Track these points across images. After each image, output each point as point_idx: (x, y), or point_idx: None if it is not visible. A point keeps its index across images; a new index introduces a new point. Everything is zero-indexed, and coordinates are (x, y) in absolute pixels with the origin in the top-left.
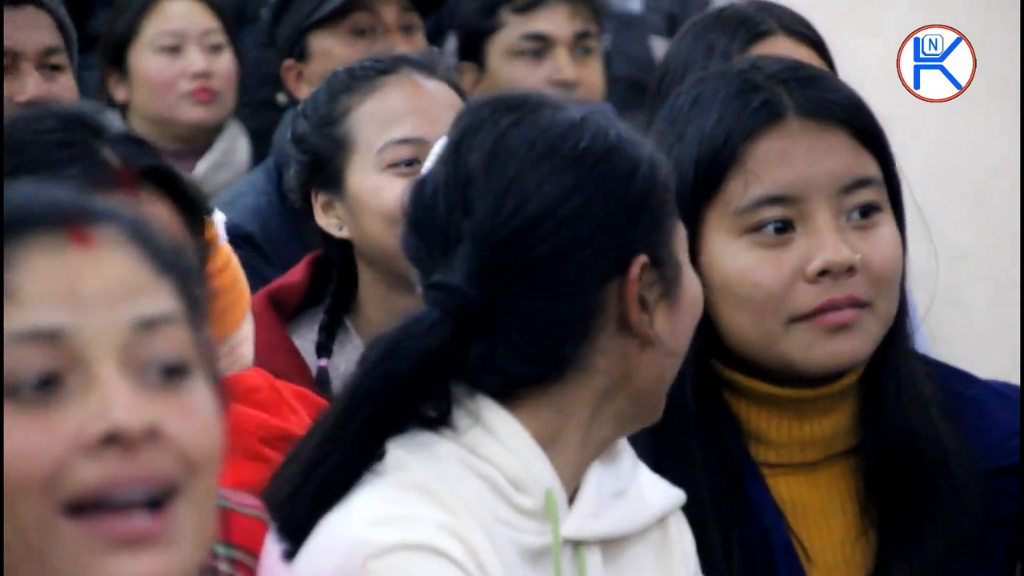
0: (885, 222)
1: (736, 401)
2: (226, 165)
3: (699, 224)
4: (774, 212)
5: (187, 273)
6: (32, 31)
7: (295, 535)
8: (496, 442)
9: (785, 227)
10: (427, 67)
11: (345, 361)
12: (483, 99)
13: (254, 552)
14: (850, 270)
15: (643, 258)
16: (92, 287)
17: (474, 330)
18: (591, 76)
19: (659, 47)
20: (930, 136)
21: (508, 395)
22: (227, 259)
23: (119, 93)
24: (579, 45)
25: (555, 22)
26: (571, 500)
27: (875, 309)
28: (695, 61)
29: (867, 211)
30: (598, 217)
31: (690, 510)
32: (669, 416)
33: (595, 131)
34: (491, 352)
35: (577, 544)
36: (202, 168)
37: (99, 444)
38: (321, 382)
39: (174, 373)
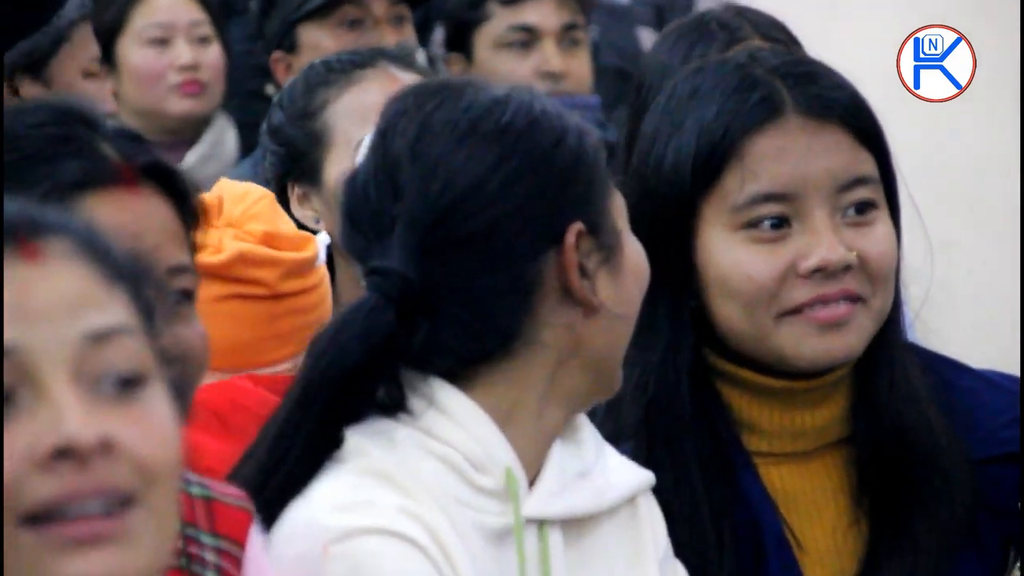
0: (881, 219)
1: (728, 390)
2: (214, 157)
3: (695, 217)
4: (771, 209)
5: (143, 281)
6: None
7: (267, 525)
8: (451, 422)
9: (781, 223)
10: (404, 60)
11: None
12: (408, 88)
13: (239, 541)
14: (846, 268)
15: (578, 226)
16: (41, 301)
17: (417, 313)
18: (579, 67)
19: (646, 38)
20: (926, 133)
21: (459, 375)
22: (321, 278)
23: (107, 85)
24: (566, 36)
25: (542, 13)
26: (534, 482)
27: (869, 304)
28: (673, 67)
29: (863, 208)
30: (525, 188)
31: (682, 499)
32: (662, 405)
33: (517, 106)
34: (436, 333)
35: (541, 524)
36: (190, 160)
37: (52, 458)
38: None
39: (129, 384)
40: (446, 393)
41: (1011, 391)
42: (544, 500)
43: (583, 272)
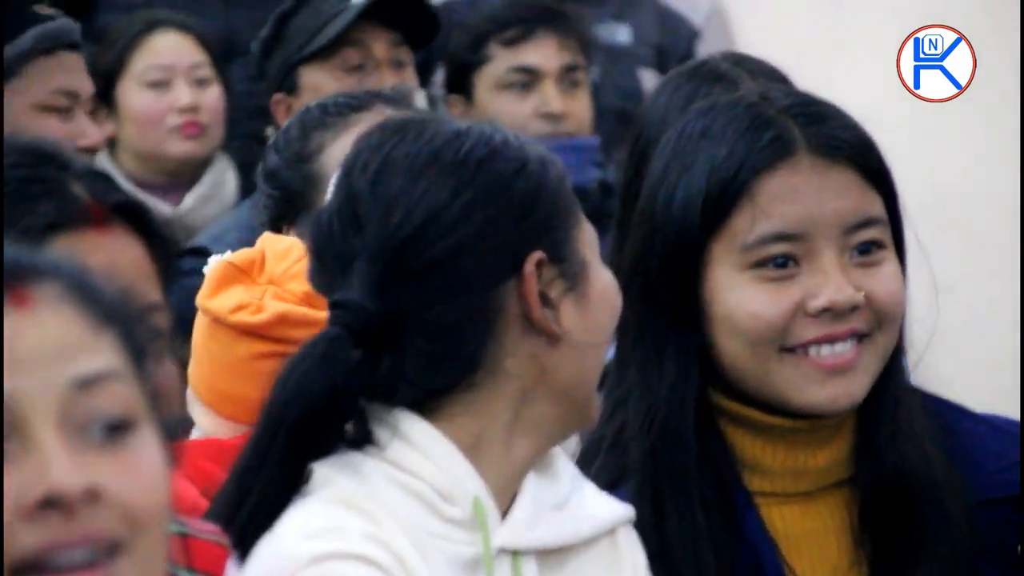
0: (888, 259)
1: (732, 430)
2: (214, 198)
3: (704, 256)
4: (780, 248)
5: (133, 323)
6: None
7: (242, 560)
8: (418, 453)
9: (789, 262)
10: (400, 103)
11: None
12: (372, 127)
13: None
14: (853, 308)
15: (538, 255)
16: (29, 348)
17: (379, 345)
18: (579, 108)
19: (647, 79)
20: (927, 149)
21: (424, 406)
22: None
23: (106, 128)
24: (567, 78)
25: (543, 55)
26: (507, 513)
27: (875, 343)
28: (672, 115)
29: (871, 248)
30: (484, 217)
31: (686, 538)
32: (667, 443)
33: (477, 137)
34: (399, 364)
35: (515, 554)
36: (190, 201)
37: (38, 509)
38: None
39: (118, 429)
40: (411, 424)
41: (1012, 434)
42: (516, 531)
43: (545, 301)
